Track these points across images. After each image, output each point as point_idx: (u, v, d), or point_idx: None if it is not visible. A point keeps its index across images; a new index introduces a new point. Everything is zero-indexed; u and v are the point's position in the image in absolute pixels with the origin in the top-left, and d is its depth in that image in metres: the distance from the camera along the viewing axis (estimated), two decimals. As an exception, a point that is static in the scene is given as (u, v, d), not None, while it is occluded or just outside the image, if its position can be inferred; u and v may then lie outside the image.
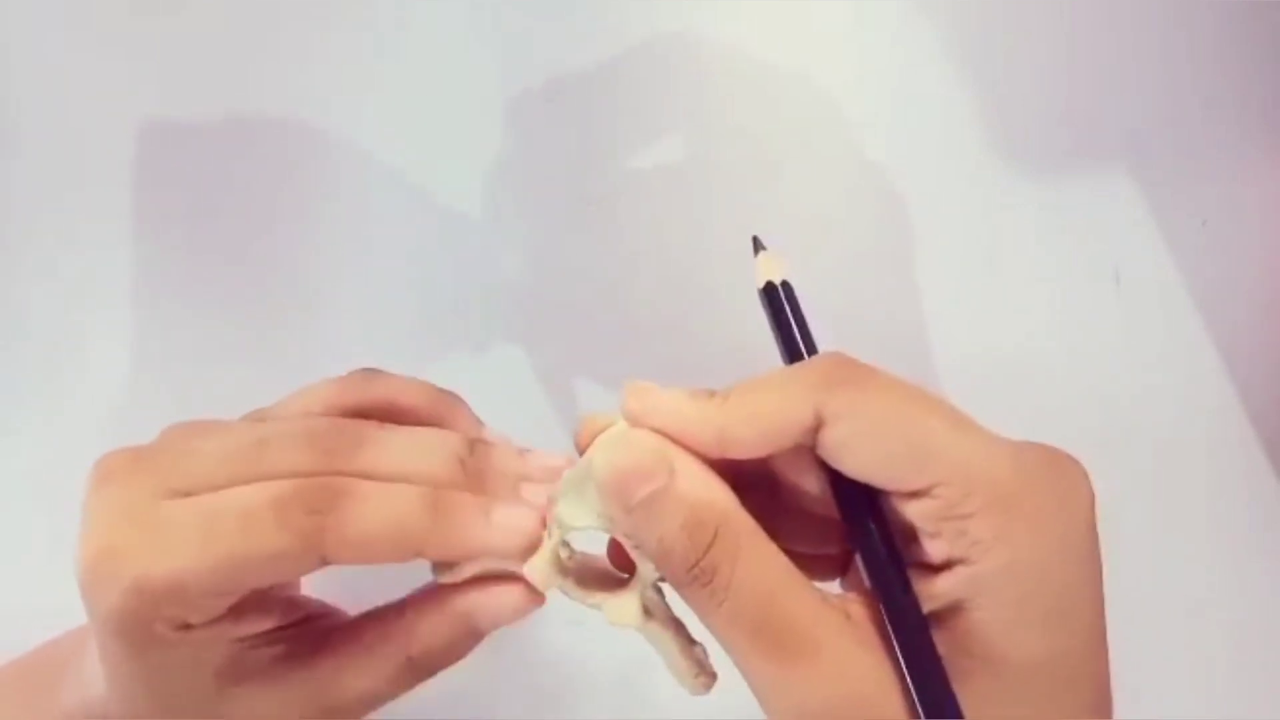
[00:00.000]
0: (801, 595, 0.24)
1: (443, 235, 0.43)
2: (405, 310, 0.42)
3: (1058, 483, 0.24)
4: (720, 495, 0.25)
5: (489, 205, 0.43)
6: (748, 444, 0.25)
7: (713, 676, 0.28)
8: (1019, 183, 0.42)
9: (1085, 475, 0.25)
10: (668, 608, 0.28)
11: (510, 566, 0.28)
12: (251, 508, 0.26)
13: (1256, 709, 0.39)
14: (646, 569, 0.27)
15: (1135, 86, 0.43)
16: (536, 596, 0.28)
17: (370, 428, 0.28)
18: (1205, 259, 0.42)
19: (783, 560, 0.25)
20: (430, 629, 0.28)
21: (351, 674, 0.29)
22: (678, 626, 0.28)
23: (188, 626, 0.26)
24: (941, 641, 0.24)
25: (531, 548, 0.28)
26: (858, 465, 0.25)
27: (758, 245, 0.30)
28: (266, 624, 0.29)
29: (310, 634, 0.29)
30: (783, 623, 0.24)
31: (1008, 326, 0.41)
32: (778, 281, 0.29)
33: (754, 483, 0.27)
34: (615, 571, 0.28)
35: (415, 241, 0.43)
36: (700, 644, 0.28)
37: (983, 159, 0.42)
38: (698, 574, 0.24)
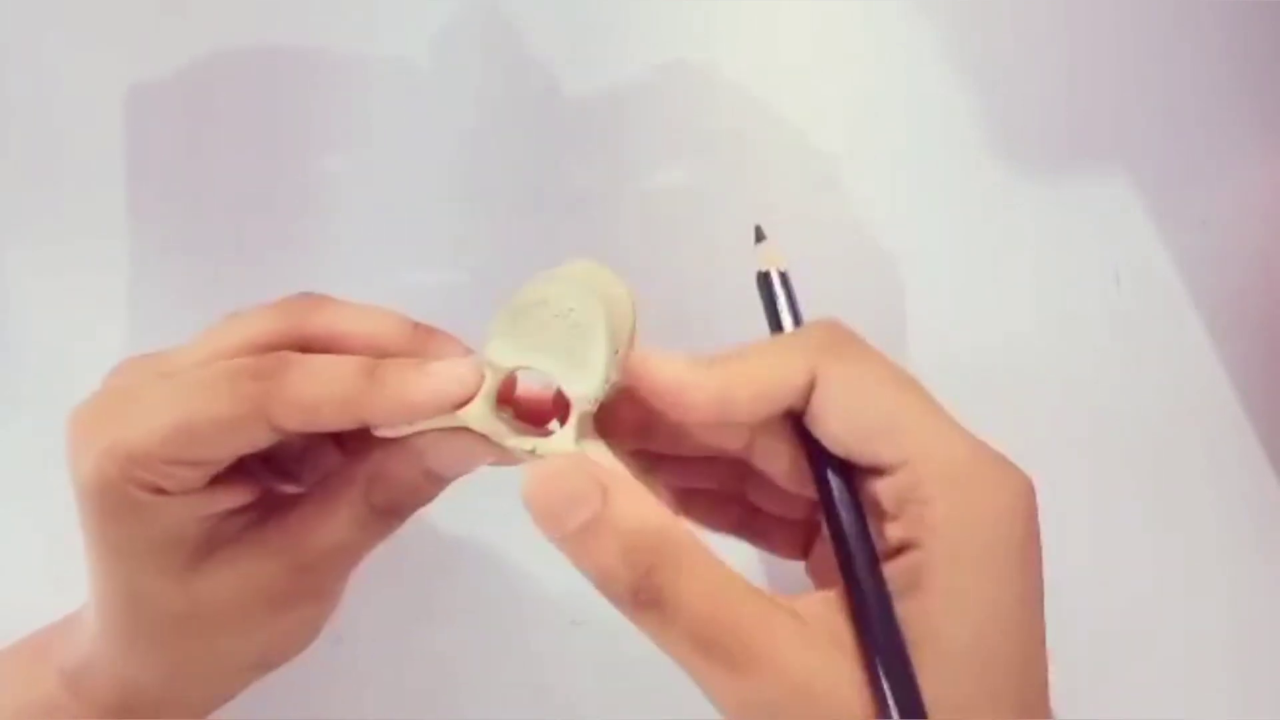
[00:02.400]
0: (746, 603, 0.25)
1: (444, 235, 0.43)
2: (407, 307, 0.42)
3: (1010, 473, 0.26)
4: (656, 513, 0.25)
5: (489, 206, 0.43)
6: (746, 405, 0.26)
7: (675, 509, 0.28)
8: (1019, 183, 0.42)
9: (1030, 485, 0.26)
10: (603, 445, 0.28)
11: (451, 422, 0.28)
12: (208, 378, 0.27)
13: (1257, 709, 0.39)
14: (579, 399, 0.27)
15: (1135, 86, 0.43)
16: (487, 442, 0.28)
17: (323, 301, 0.30)
18: (1205, 259, 0.42)
19: (724, 570, 0.25)
20: (388, 471, 0.29)
21: (317, 525, 0.29)
22: (618, 464, 0.28)
23: (161, 491, 0.27)
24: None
25: (470, 398, 0.28)
26: (840, 432, 0.26)
27: (759, 234, 0.31)
28: (241, 499, 0.30)
29: (278, 499, 0.30)
30: (729, 634, 0.24)
31: (1007, 326, 0.41)
32: (775, 271, 0.29)
33: (721, 459, 0.29)
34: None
35: (417, 240, 0.43)
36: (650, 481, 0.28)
37: (983, 159, 0.42)
38: (641, 598, 0.24)
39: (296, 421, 0.27)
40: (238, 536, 0.29)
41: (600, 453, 0.28)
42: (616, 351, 0.28)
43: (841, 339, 0.27)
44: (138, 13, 0.44)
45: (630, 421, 0.29)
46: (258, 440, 0.28)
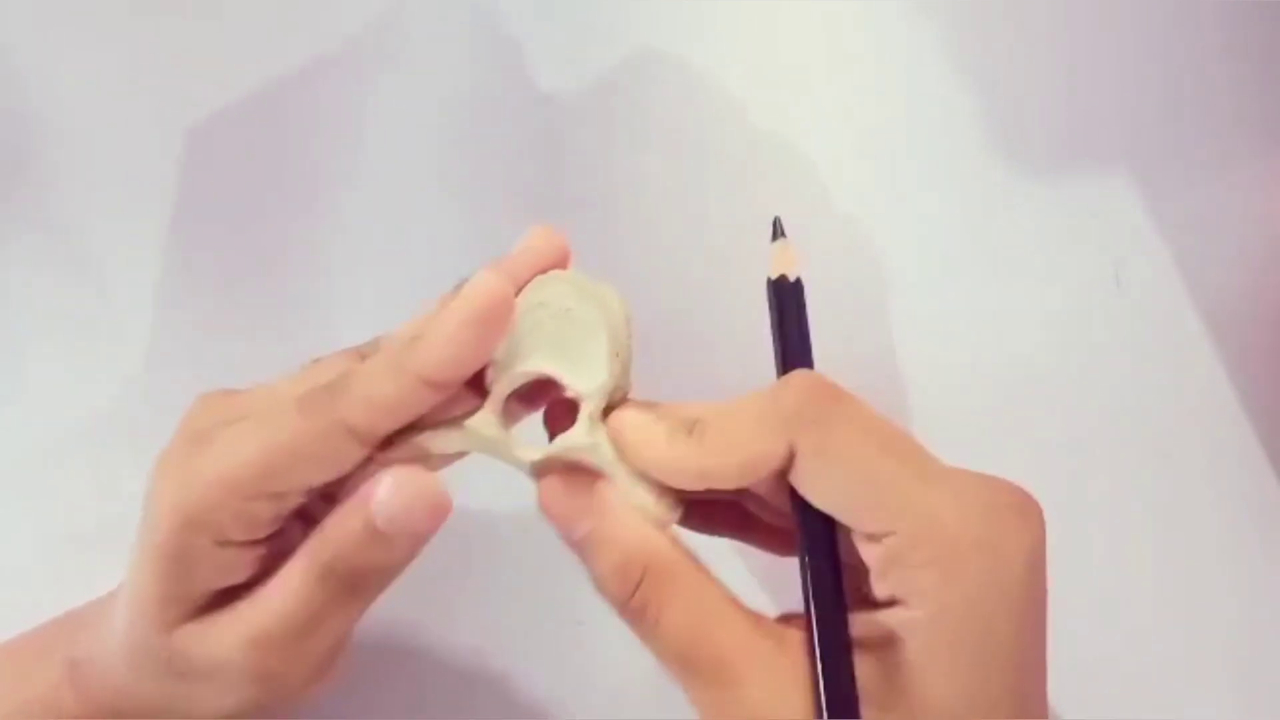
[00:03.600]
0: (731, 626, 0.26)
1: (445, 234, 0.43)
2: (411, 302, 0.42)
3: (1002, 532, 0.25)
4: (650, 536, 0.27)
5: (489, 207, 0.43)
6: (729, 479, 0.27)
7: (677, 504, 0.28)
8: (1019, 183, 0.42)
9: (1033, 516, 0.26)
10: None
11: (462, 440, 0.28)
12: (279, 406, 0.27)
13: (1257, 709, 0.39)
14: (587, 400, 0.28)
15: (1135, 86, 0.43)
16: (430, 482, 0.27)
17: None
18: (1205, 259, 0.42)
19: (714, 593, 0.27)
20: (332, 528, 0.28)
21: (271, 594, 0.28)
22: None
23: (227, 543, 0.27)
24: (873, 669, 0.25)
25: (508, 298, 0.27)
26: (822, 502, 0.26)
27: (777, 230, 0.30)
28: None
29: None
30: (710, 653, 0.26)
31: (1007, 327, 0.41)
32: (790, 277, 0.29)
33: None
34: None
35: (422, 238, 0.43)
36: None
37: (983, 159, 0.42)
38: (628, 609, 0.27)
39: (365, 412, 0.27)
40: (221, 604, 0.29)
41: (610, 444, 0.28)
42: (617, 355, 0.28)
43: (819, 402, 0.26)
44: (137, 17, 0.44)
45: None
46: (338, 453, 0.27)
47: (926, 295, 0.42)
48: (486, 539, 0.40)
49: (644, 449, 0.27)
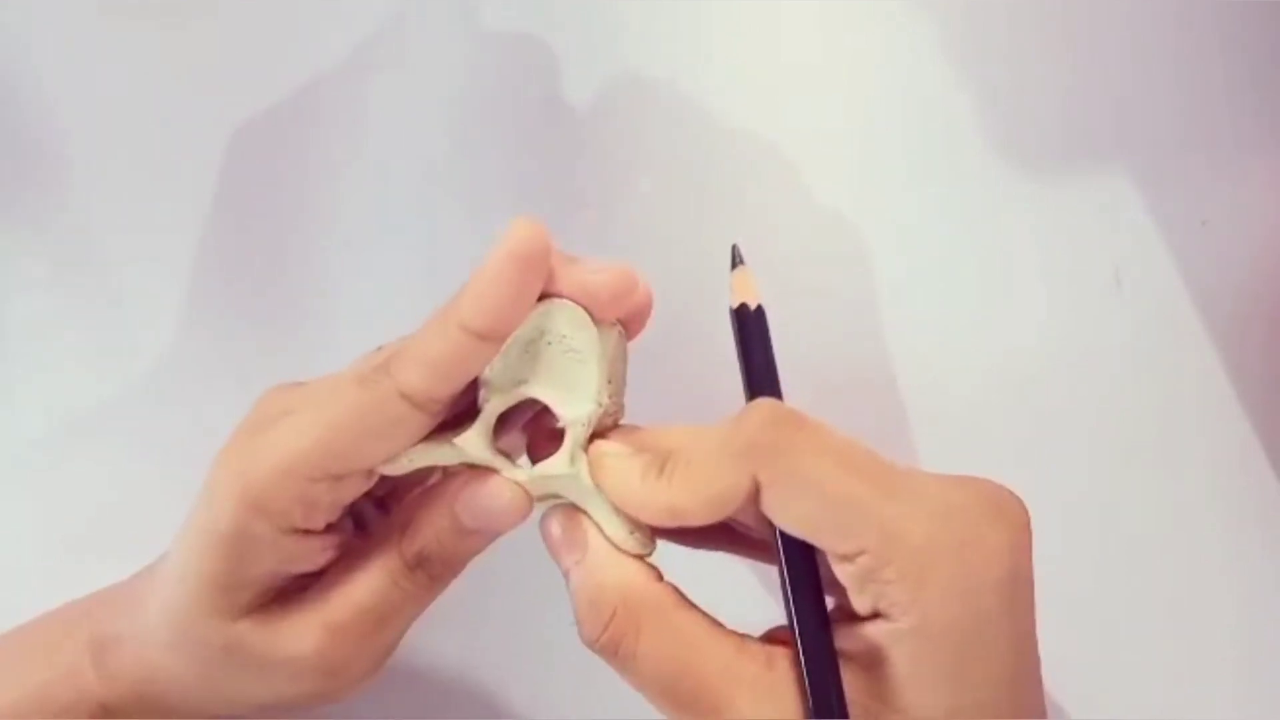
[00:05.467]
0: (713, 655, 0.27)
1: (448, 235, 0.43)
2: (413, 302, 0.42)
3: (973, 535, 0.25)
4: (623, 575, 0.28)
5: (489, 208, 0.43)
6: (698, 517, 0.27)
7: (651, 539, 0.29)
8: (1019, 183, 0.42)
9: (1012, 513, 0.26)
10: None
11: (451, 455, 0.29)
12: (335, 386, 0.28)
13: (1257, 709, 0.39)
14: (573, 428, 0.28)
15: (1135, 86, 0.43)
16: (516, 491, 0.29)
17: None
18: (1205, 259, 0.42)
19: (693, 625, 0.27)
20: (417, 525, 0.29)
21: (352, 585, 0.29)
22: None
23: (292, 530, 0.28)
24: (861, 682, 0.26)
25: (541, 247, 0.27)
26: (791, 528, 0.26)
27: (735, 258, 0.30)
28: (334, 555, 0.30)
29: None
30: (692, 684, 0.26)
31: (1007, 327, 0.41)
32: (751, 305, 0.29)
33: None
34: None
35: (425, 238, 0.43)
36: None
37: (983, 159, 0.42)
38: (602, 646, 0.27)
39: (418, 374, 0.27)
40: (285, 597, 0.30)
41: (590, 474, 0.29)
42: (610, 381, 0.29)
43: (778, 431, 0.26)
44: (138, 24, 0.44)
45: None
46: (397, 424, 0.27)
47: (926, 295, 0.42)
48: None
49: (619, 487, 0.28)
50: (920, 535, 0.25)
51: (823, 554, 0.27)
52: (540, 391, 0.29)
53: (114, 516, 0.41)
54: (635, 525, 0.28)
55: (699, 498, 0.27)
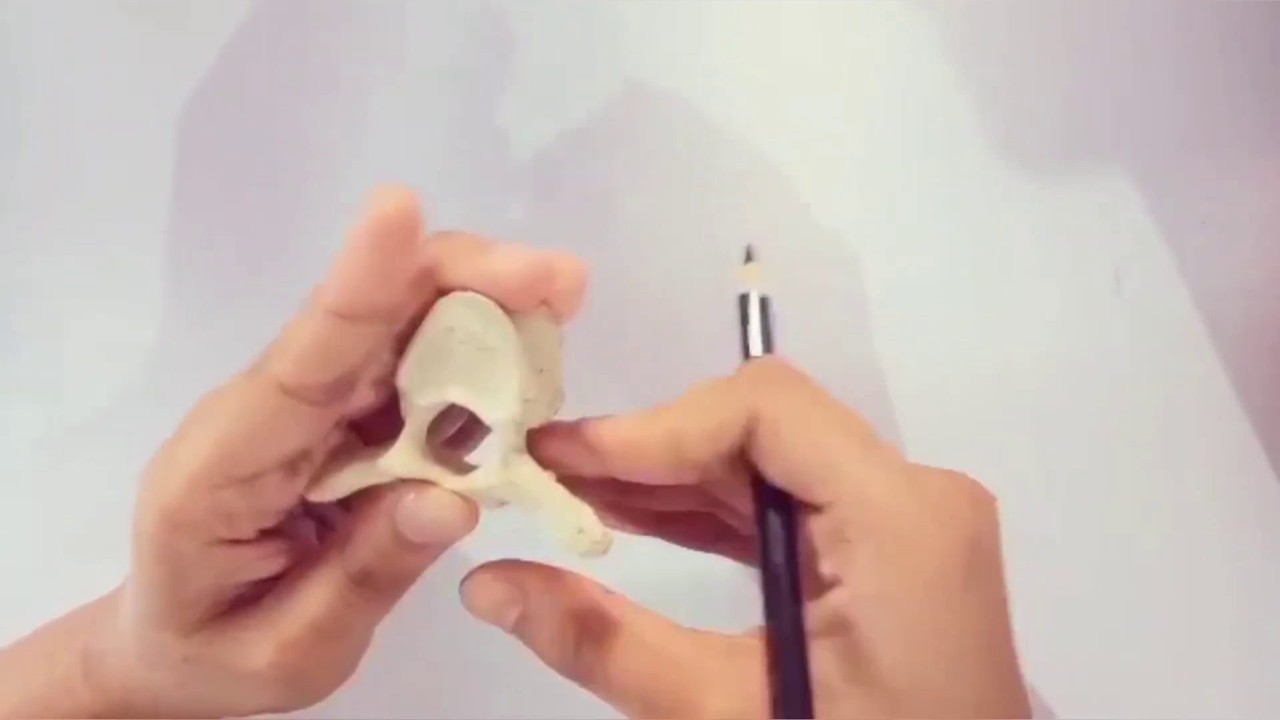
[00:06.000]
0: (683, 659, 0.27)
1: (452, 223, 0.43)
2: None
3: (941, 518, 0.26)
4: (576, 602, 0.27)
5: (490, 207, 0.43)
6: (694, 450, 0.27)
7: (602, 537, 0.27)
8: (1019, 183, 0.42)
9: (984, 506, 0.27)
10: (536, 468, 0.27)
11: (377, 475, 0.27)
12: (229, 386, 0.27)
13: (1257, 709, 0.39)
14: (502, 434, 0.27)
15: (1135, 86, 0.43)
16: (459, 503, 0.27)
17: None
18: (1205, 259, 0.41)
19: (652, 633, 0.27)
20: (356, 540, 0.28)
21: (297, 601, 0.28)
22: (551, 486, 0.27)
23: (217, 541, 0.27)
24: (830, 654, 0.26)
25: (403, 217, 0.24)
26: (777, 471, 0.27)
27: (749, 254, 0.31)
28: (273, 568, 0.29)
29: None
30: (665, 691, 0.27)
31: (1007, 327, 0.41)
32: (756, 295, 0.30)
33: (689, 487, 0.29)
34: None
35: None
36: (585, 505, 0.27)
37: (983, 159, 0.42)
38: (576, 673, 0.27)
39: (289, 364, 0.26)
40: (241, 608, 0.29)
41: (531, 477, 0.27)
42: (542, 370, 0.27)
43: (780, 377, 0.28)
44: (137, 22, 0.44)
45: (594, 483, 0.29)
46: (280, 419, 0.26)
47: (926, 295, 0.42)
48: (480, 538, 0.40)
49: (612, 429, 0.27)
50: (888, 502, 0.25)
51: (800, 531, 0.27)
52: (459, 395, 0.27)
53: (114, 516, 0.41)
54: (584, 522, 0.26)
55: (697, 429, 0.27)
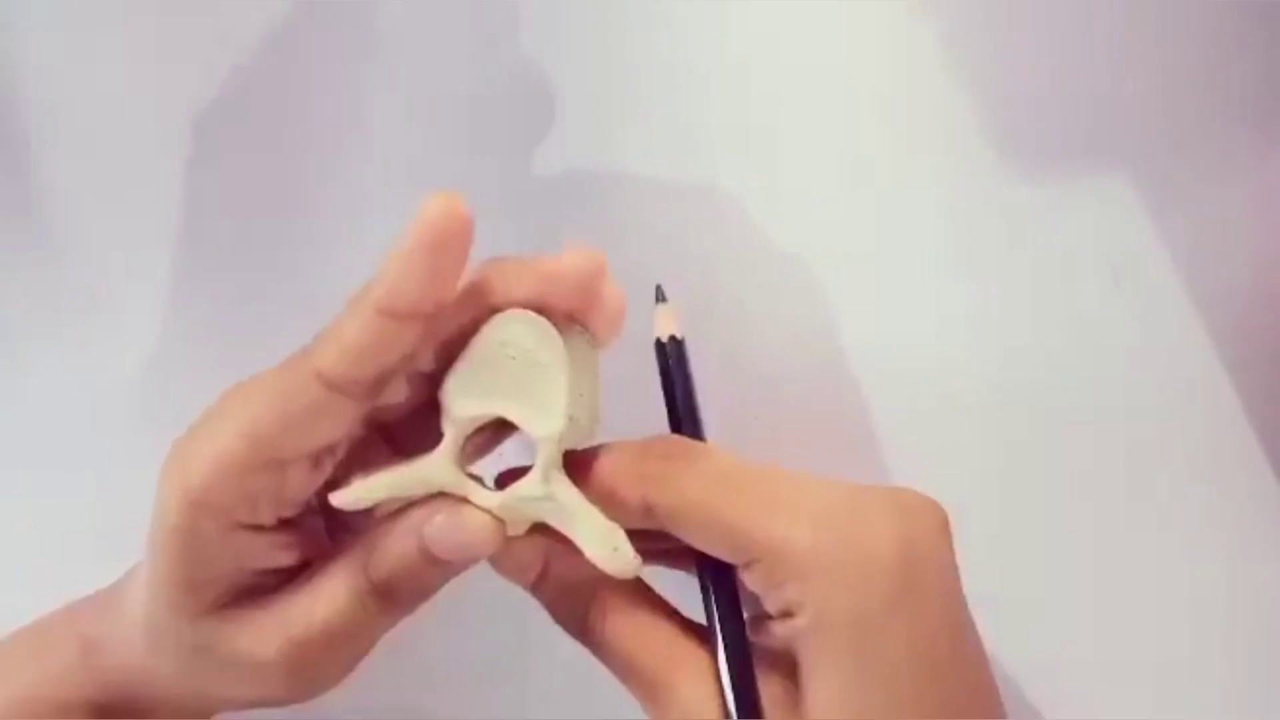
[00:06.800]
0: (663, 640, 0.29)
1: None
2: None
3: (862, 535, 0.27)
4: (587, 570, 0.28)
5: (490, 207, 0.43)
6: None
7: (635, 558, 0.28)
8: (1018, 183, 0.42)
9: (917, 515, 0.28)
10: (573, 486, 0.28)
11: (415, 486, 0.28)
12: (261, 378, 0.28)
13: (1257, 709, 0.39)
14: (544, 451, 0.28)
15: (1135, 86, 0.43)
16: (487, 522, 0.28)
17: None
18: (1205, 259, 0.41)
19: (649, 611, 0.30)
20: (383, 550, 0.29)
21: (315, 600, 0.29)
22: (588, 505, 0.28)
23: (236, 525, 0.28)
24: (777, 682, 0.28)
25: (458, 225, 0.26)
26: (690, 544, 0.29)
27: (659, 295, 0.32)
28: (290, 558, 0.30)
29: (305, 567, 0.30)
30: (647, 666, 0.29)
31: (1005, 327, 0.41)
32: (665, 338, 0.32)
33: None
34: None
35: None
36: (617, 526, 0.28)
37: (983, 159, 0.42)
38: (580, 635, 0.30)
39: (334, 358, 0.26)
40: (252, 599, 0.29)
41: (567, 495, 0.28)
42: (582, 394, 0.28)
43: (669, 464, 0.29)
44: (136, 14, 0.44)
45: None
46: (319, 410, 0.27)
47: (925, 295, 0.42)
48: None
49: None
50: (803, 540, 0.27)
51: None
52: (506, 409, 0.27)
53: (114, 516, 0.41)
54: (618, 542, 0.28)
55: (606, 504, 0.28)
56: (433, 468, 0.28)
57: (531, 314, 0.27)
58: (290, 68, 0.44)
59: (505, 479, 0.29)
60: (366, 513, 0.32)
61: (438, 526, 0.28)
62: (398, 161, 0.43)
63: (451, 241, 0.26)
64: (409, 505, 0.29)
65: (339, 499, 0.28)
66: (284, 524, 0.29)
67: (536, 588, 0.30)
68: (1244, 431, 0.41)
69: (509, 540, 0.29)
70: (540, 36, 0.43)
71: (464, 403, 0.27)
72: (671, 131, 0.43)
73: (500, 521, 0.28)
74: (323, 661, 0.30)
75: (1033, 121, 0.43)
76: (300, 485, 0.28)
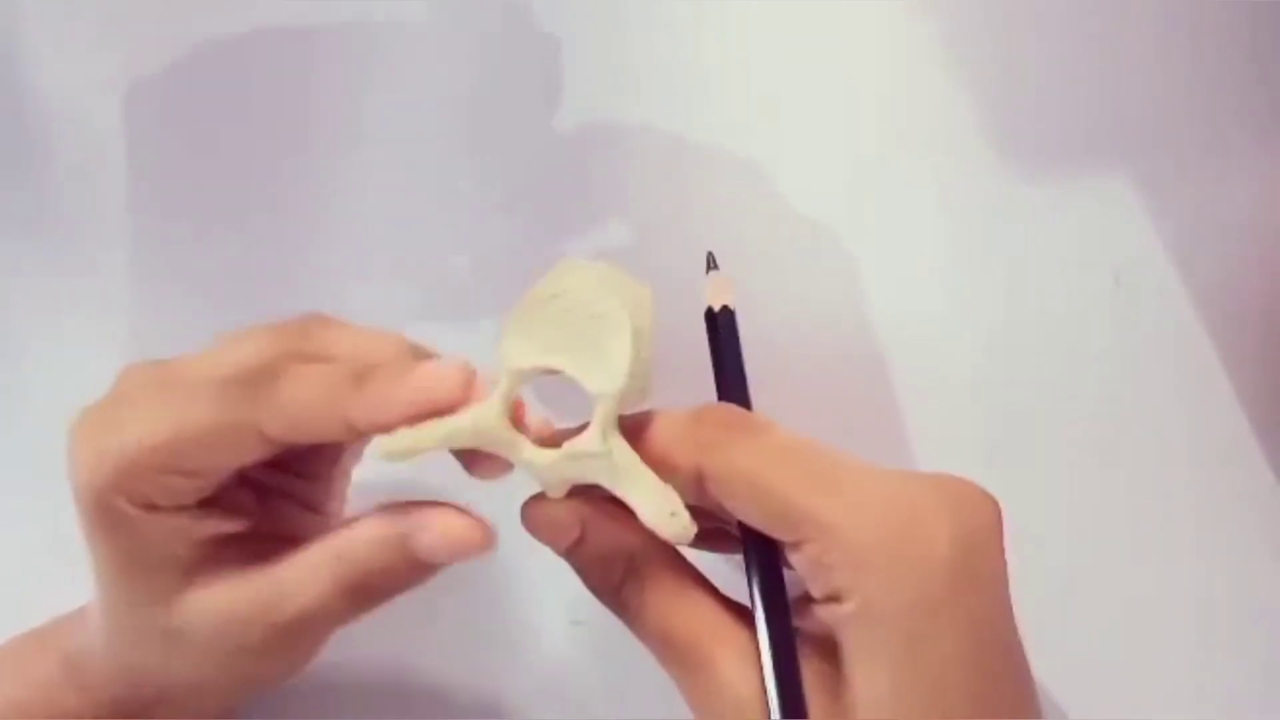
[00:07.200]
0: (703, 615, 0.28)
1: (440, 228, 0.43)
2: (410, 306, 0.42)
3: (917, 528, 0.26)
4: (626, 539, 0.28)
5: (491, 203, 0.43)
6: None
7: (690, 523, 0.27)
8: (1018, 184, 0.42)
9: (971, 508, 0.27)
10: (629, 448, 0.27)
11: (462, 437, 0.26)
12: (198, 389, 0.27)
13: (1257, 709, 0.39)
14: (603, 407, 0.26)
15: (1135, 86, 0.43)
16: (481, 529, 0.28)
17: (325, 322, 0.30)
18: (1205, 259, 0.41)
19: (688, 585, 0.29)
20: (366, 547, 0.28)
21: (293, 586, 0.28)
22: (644, 467, 0.27)
23: (154, 507, 0.27)
24: (821, 668, 0.27)
25: (463, 400, 0.26)
26: (740, 517, 0.28)
27: (710, 263, 0.31)
28: (234, 525, 0.29)
29: (278, 545, 0.30)
30: (684, 640, 0.28)
31: (1005, 327, 0.41)
32: (717, 307, 0.31)
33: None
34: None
35: (420, 241, 0.43)
36: (672, 490, 0.27)
37: (983, 159, 0.42)
38: (615, 603, 0.29)
39: (283, 428, 0.27)
40: (226, 573, 0.29)
41: (625, 455, 0.26)
42: (640, 356, 0.26)
43: (725, 432, 0.28)
44: (134, 19, 0.44)
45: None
46: (246, 450, 0.27)
47: (925, 295, 0.42)
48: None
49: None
50: (857, 527, 0.26)
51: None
52: (561, 361, 0.26)
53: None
54: (676, 506, 0.26)
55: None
56: (486, 418, 0.26)
57: (595, 264, 0.26)
58: (290, 68, 0.44)
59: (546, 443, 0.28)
60: (325, 486, 0.32)
61: (423, 527, 0.28)
62: (398, 161, 0.43)
63: (443, 406, 0.26)
64: (388, 509, 0.28)
65: (384, 452, 0.26)
66: (208, 501, 0.29)
67: (571, 553, 0.29)
68: (1244, 431, 0.41)
69: (547, 503, 0.28)
70: (540, 36, 0.43)
71: (522, 352, 0.26)
72: (671, 131, 0.43)
73: (487, 530, 0.27)
74: (301, 642, 0.30)
75: (1033, 121, 0.43)
76: (217, 480, 0.28)
